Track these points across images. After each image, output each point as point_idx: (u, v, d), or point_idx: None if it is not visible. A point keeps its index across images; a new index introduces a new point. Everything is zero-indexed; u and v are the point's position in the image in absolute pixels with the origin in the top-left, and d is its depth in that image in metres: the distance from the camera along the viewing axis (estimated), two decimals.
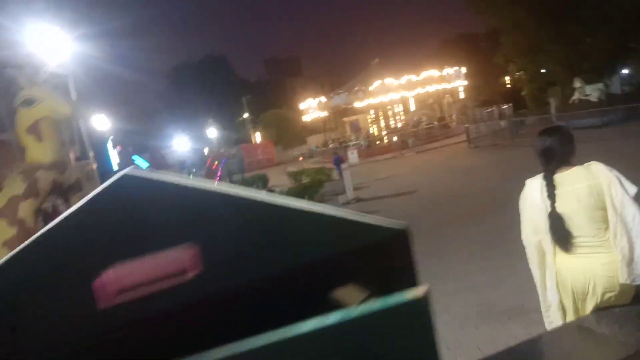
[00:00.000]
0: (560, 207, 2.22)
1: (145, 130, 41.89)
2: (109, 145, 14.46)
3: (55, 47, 14.53)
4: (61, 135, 5.21)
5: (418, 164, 20.32)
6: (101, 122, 14.64)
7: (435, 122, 31.10)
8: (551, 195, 2.23)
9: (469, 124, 24.81)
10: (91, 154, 7.49)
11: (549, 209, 2.24)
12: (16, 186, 4.57)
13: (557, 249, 2.28)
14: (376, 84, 29.09)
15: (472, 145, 21.95)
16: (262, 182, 18.32)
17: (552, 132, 2.39)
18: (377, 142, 30.11)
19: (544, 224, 2.27)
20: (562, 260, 2.27)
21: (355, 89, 30.62)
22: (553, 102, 24.81)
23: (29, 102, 4.90)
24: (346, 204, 13.40)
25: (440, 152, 23.34)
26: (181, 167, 13.84)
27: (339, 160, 18.59)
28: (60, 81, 16.63)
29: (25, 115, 4.92)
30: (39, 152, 4.97)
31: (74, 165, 5.42)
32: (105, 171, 13.17)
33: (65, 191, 5.33)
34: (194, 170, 13.81)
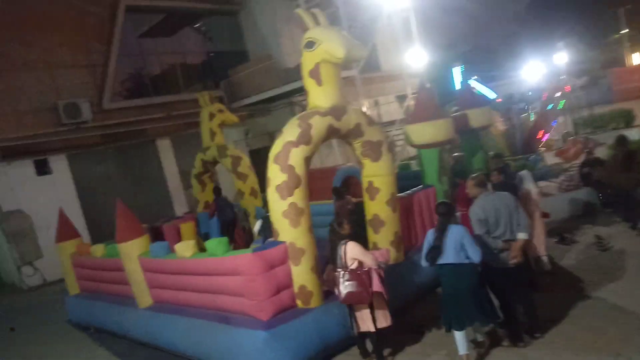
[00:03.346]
0: None
1: (493, 59, 39.78)
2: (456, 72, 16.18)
3: None
4: (339, 79, 4.94)
5: None
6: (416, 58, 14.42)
7: None
8: None
9: None
10: (427, 85, 7.02)
11: None
12: (292, 132, 4.60)
13: None
14: None
15: None
16: (623, 120, 14.31)
17: None
18: None
19: None
20: None
21: None
22: None
23: (310, 45, 4.78)
24: None
25: None
26: (508, 101, 11.60)
27: None
28: (401, 18, 17.07)
29: (308, 57, 4.84)
30: (318, 97, 4.86)
31: (353, 110, 5.11)
32: (447, 92, 14.30)
33: (344, 136, 5.15)
34: (527, 107, 11.45)
